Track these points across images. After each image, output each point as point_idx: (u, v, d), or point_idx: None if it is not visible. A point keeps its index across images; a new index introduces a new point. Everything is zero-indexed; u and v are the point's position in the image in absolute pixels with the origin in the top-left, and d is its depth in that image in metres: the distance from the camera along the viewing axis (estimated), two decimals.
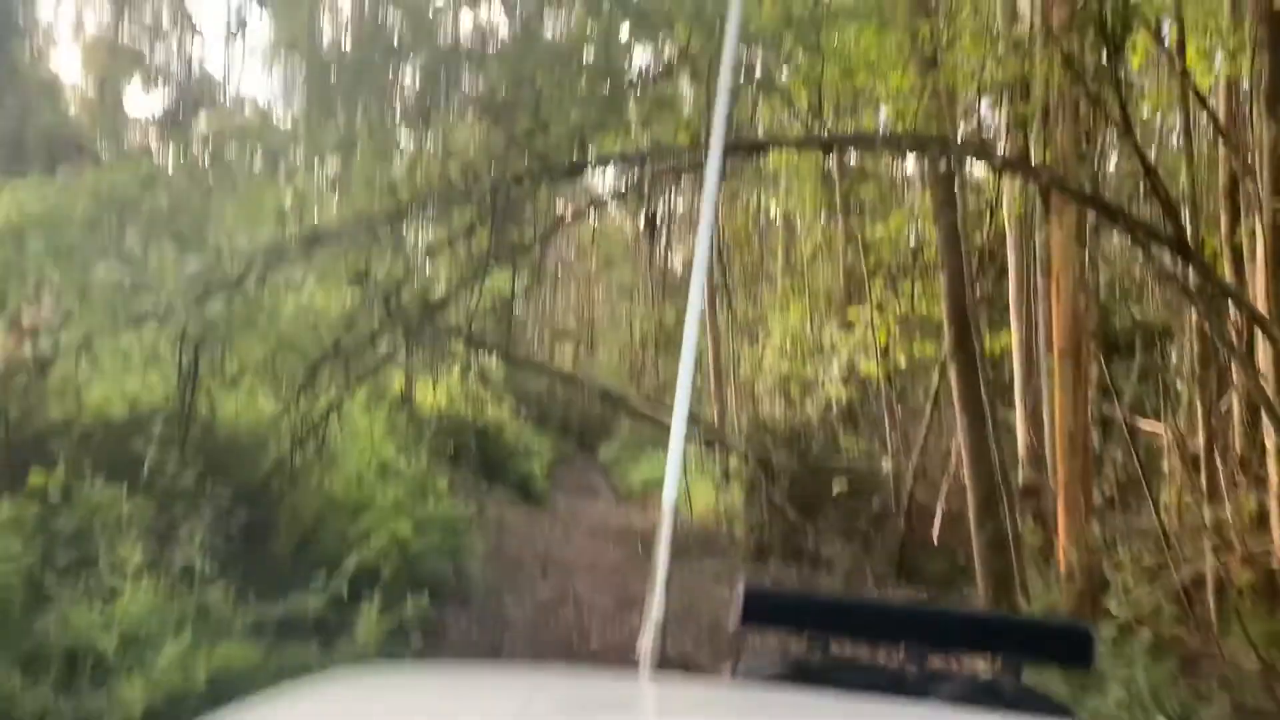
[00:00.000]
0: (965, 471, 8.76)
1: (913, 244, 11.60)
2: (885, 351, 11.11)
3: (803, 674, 1.69)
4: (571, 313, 50.19)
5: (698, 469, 16.21)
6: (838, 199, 13.42)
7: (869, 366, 11.20)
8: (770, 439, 12.90)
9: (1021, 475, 9.41)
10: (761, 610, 1.90)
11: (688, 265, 40.49)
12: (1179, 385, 9.64)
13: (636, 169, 7.58)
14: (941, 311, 10.45)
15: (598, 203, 11.55)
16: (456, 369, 19.33)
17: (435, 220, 7.59)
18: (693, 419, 14.21)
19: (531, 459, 20.69)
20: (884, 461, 11.30)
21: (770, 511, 12.64)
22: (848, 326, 14.78)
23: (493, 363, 20.11)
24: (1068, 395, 7.99)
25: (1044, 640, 1.84)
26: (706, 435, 13.70)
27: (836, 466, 12.09)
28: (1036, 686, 1.76)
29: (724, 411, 17.20)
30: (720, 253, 19.35)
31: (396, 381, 12.32)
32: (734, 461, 15.12)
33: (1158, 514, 7.77)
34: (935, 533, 10.20)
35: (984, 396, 8.91)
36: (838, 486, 11.48)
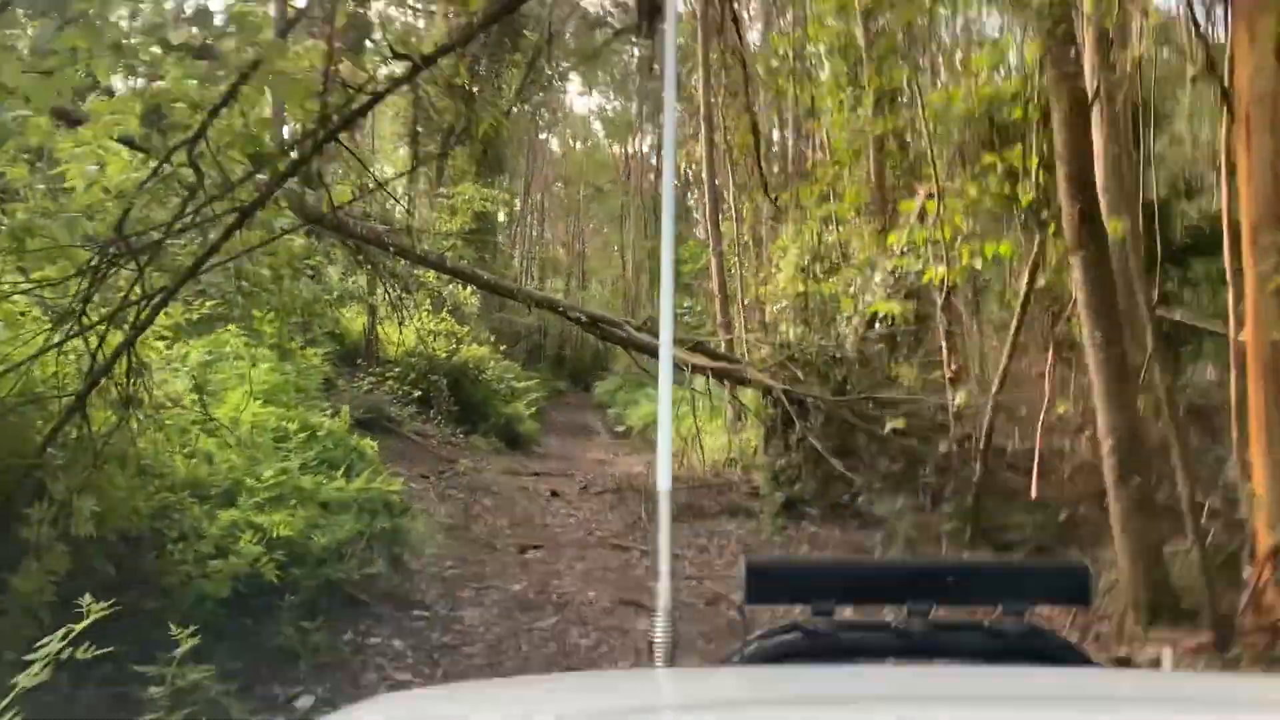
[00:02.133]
0: (1097, 404, 6.09)
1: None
2: (949, 250, 8.34)
3: (812, 645, 1.63)
4: (561, 245, 47.38)
5: (707, 410, 13.58)
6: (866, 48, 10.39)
7: (929, 272, 8.47)
8: (798, 368, 10.22)
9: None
10: (766, 586, 1.75)
11: (681, 188, 37.58)
12: None
13: None
14: (1026, 192, 7.70)
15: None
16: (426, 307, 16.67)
17: None
18: (696, 349, 11.48)
19: (517, 400, 18.03)
20: (952, 393, 8.68)
21: (803, 458, 10.00)
22: (893, 223, 12.01)
23: (468, 293, 17.36)
24: (1262, 294, 5.32)
25: (1044, 582, 1.83)
26: (715, 368, 11.03)
27: (887, 399, 9.42)
28: (1042, 626, 1.72)
29: (733, 339, 14.46)
30: (726, 153, 16.47)
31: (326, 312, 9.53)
32: (750, 398, 12.47)
33: None
34: (1034, 483, 7.59)
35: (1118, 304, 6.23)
36: (890, 424, 8.83)
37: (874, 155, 12.12)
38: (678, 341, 11.72)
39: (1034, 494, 7.56)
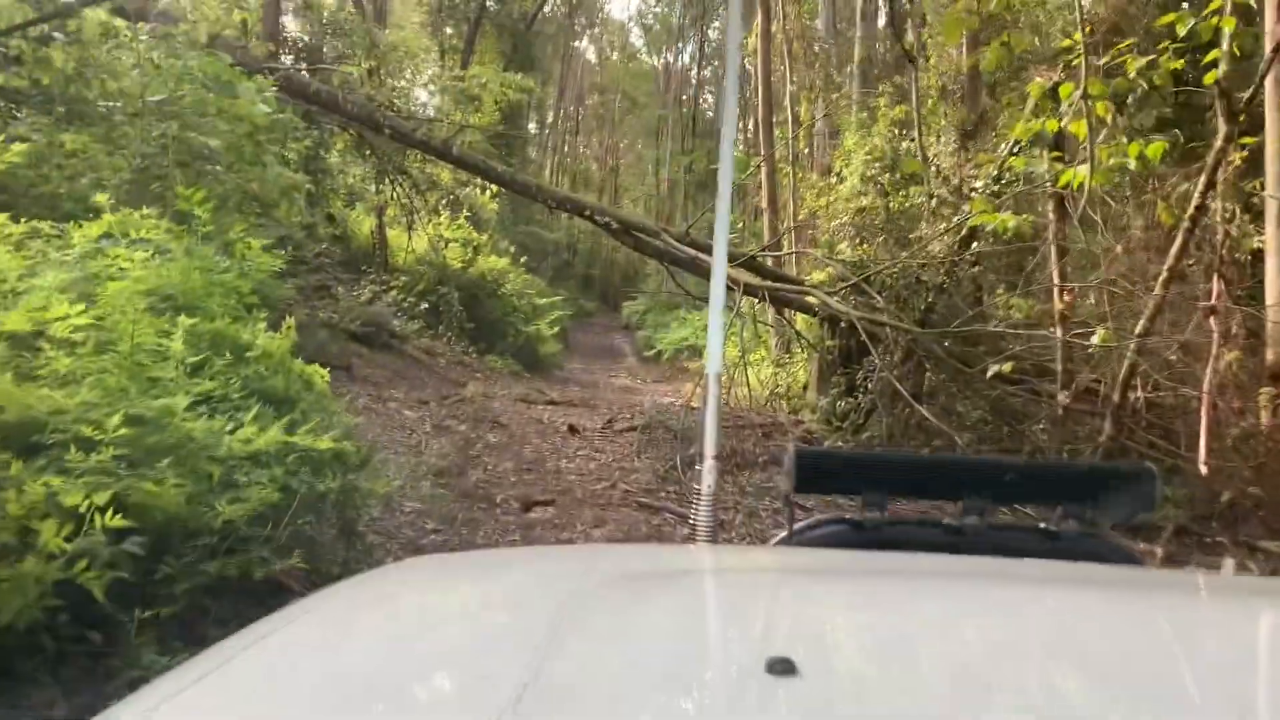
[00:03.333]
0: None
1: None
2: (1077, 146, 6.29)
3: (859, 535, 1.57)
4: (594, 160, 44.98)
5: (750, 337, 11.72)
6: None
7: (1065, 174, 6.41)
8: (874, 291, 8.27)
9: None
10: (814, 474, 1.69)
11: (721, 101, 35.16)
12: None
13: None
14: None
15: None
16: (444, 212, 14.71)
17: None
18: (746, 266, 9.55)
19: (538, 318, 16.22)
20: (1062, 330, 6.75)
21: (873, 401, 8.15)
22: (982, 124, 9.98)
23: (487, 197, 15.41)
24: None
25: (1105, 484, 1.69)
26: (770, 288, 9.13)
27: (988, 334, 7.50)
28: (1102, 533, 1.61)
29: (785, 256, 12.48)
30: (785, 51, 14.25)
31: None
32: (806, 326, 10.57)
33: None
34: (1201, 453, 5.71)
35: None
36: (994, 367, 6.93)
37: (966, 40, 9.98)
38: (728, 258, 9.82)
39: (1203, 468, 5.67)
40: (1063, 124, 6.45)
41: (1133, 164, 6.13)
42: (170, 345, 3.79)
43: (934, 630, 1.00)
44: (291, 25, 13.35)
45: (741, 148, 20.25)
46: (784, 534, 1.64)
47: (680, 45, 41.88)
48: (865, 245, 11.27)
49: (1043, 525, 1.61)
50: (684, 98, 39.37)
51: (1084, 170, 6.19)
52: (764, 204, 13.89)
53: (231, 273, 5.30)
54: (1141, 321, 6.17)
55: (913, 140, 11.98)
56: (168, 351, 3.80)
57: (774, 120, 14.32)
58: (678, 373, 17.01)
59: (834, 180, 13.23)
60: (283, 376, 4.75)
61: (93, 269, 4.07)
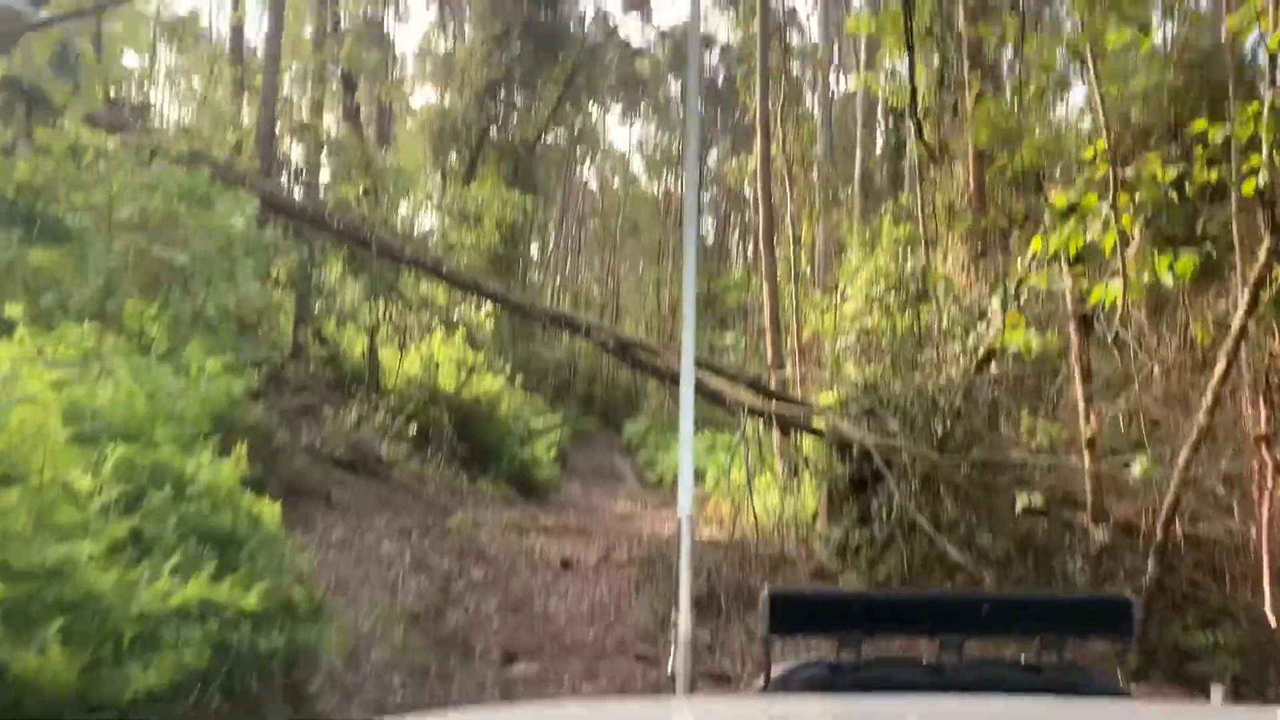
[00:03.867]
0: None
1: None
2: (1121, 260, 5.81)
3: (838, 678, 1.54)
4: (595, 282, 45.11)
5: (754, 462, 11.13)
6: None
7: (1095, 292, 5.91)
8: (888, 414, 7.75)
9: None
10: (789, 616, 1.67)
11: (723, 226, 35.42)
12: None
13: None
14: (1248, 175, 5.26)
15: None
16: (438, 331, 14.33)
17: None
18: (750, 388, 9.05)
19: (535, 440, 15.65)
20: (1088, 458, 6.18)
21: (889, 533, 7.53)
22: (988, 244, 9.64)
23: (483, 315, 15.05)
24: None
25: (1083, 615, 1.74)
26: (776, 411, 8.62)
27: (1012, 464, 6.94)
28: (1081, 663, 1.62)
29: (791, 379, 12.02)
30: (787, 166, 14.11)
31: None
32: (814, 451, 10.01)
33: None
34: (1268, 595, 5.07)
35: None
36: (1023, 499, 6.34)
37: (971, 155, 9.75)
38: (728, 378, 9.38)
39: (1271, 613, 5.02)
40: (1088, 238, 6.05)
41: (1166, 279, 5.70)
42: (77, 481, 3.23)
43: None
44: (289, 147, 13.26)
45: (742, 269, 20.09)
46: (761, 679, 1.55)
47: (680, 170, 42.61)
48: (871, 366, 10.82)
49: (1023, 659, 1.55)
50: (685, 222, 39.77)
51: (1116, 286, 5.75)
52: (766, 323, 13.52)
53: (187, 396, 4.80)
54: (1185, 450, 5.62)
55: (917, 259, 11.67)
56: (74, 489, 3.25)
57: (775, 240, 14.08)
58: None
59: (838, 300, 12.90)
60: (230, 513, 4.20)
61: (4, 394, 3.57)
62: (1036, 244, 6.29)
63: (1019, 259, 7.51)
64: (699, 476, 17.05)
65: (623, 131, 58.16)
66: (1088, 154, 6.19)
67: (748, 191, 31.73)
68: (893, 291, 11.58)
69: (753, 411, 8.05)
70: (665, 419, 22.37)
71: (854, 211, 13.49)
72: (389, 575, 6.91)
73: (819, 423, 8.14)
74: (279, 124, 11.84)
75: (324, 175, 13.46)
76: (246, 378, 6.15)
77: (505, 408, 14.78)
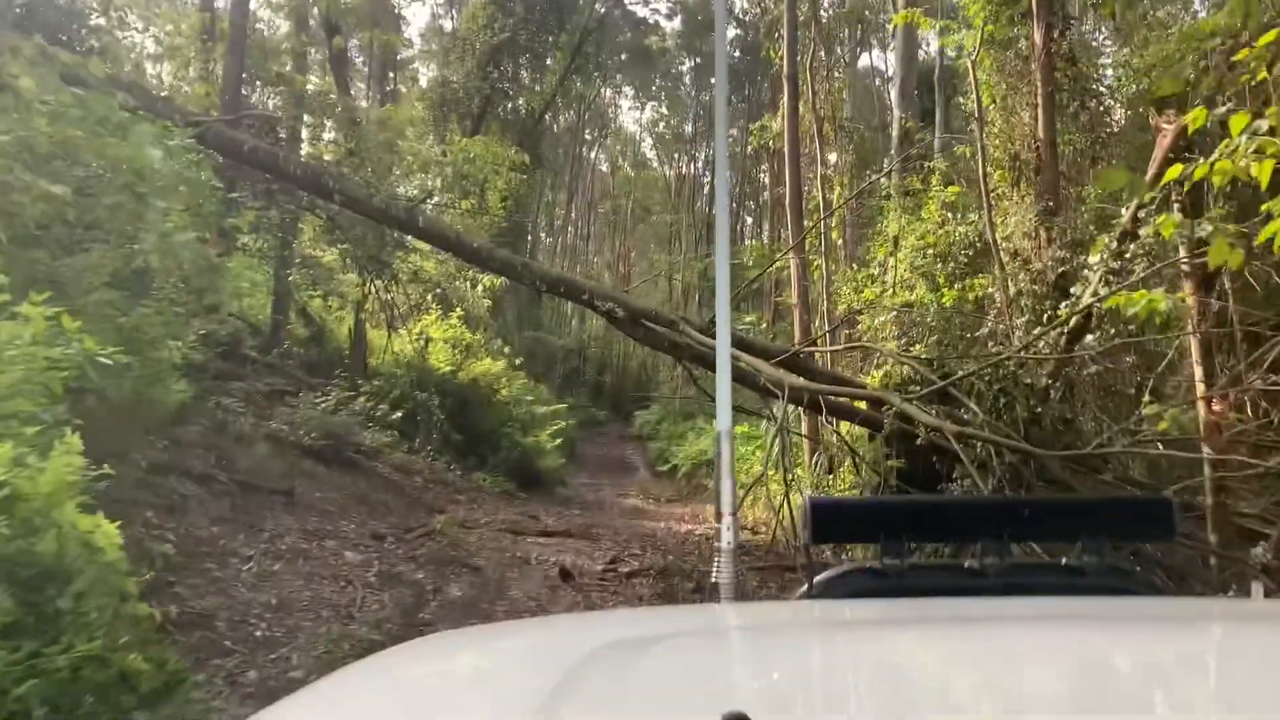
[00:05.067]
0: None
1: None
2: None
3: (881, 583, 1.50)
4: (606, 267, 43.65)
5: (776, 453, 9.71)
6: None
7: (1215, 249, 4.52)
8: (957, 394, 6.29)
9: None
10: (832, 524, 1.67)
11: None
12: None
13: None
14: None
15: None
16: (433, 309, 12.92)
17: None
18: (785, 365, 7.62)
19: (538, 428, 14.26)
20: (1212, 445, 4.76)
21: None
22: (1059, 206, 8.24)
23: (478, 292, 13.63)
24: None
25: (1125, 517, 1.68)
26: (825, 390, 7.21)
27: (1120, 452, 5.49)
28: (1123, 565, 1.57)
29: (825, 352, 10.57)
30: (819, 127, 12.58)
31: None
32: (859, 440, 8.57)
33: None
34: None
35: None
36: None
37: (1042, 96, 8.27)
38: (763, 355, 7.92)
39: None
40: (1240, 163, 4.58)
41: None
42: None
43: (966, 677, 0.96)
44: (266, 100, 11.85)
45: (765, 240, 18.62)
46: (805, 588, 1.55)
47: (693, 152, 41.16)
48: (919, 345, 9.38)
49: (1065, 561, 1.52)
50: (696, 205, 38.30)
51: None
52: (794, 300, 12.06)
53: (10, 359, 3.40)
54: None
55: (970, 224, 10.21)
56: None
57: (804, 208, 12.60)
58: (695, 490, 14.90)
59: (875, 271, 11.45)
60: (52, 535, 2.79)
61: None
62: (1172, 173, 4.82)
63: (1124, 207, 6.04)
64: (704, 465, 15.65)
65: (633, 114, 56.31)
66: (1241, 55, 4.73)
67: (763, 167, 30.28)
68: (938, 262, 10.16)
69: (793, 394, 6.61)
70: (679, 407, 21.00)
71: (893, 176, 12.02)
72: (344, 596, 5.52)
73: (879, 405, 6.69)
74: (249, 73, 10.43)
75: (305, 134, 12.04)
76: (159, 347, 4.76)
77: (506, 392, 13.39)
